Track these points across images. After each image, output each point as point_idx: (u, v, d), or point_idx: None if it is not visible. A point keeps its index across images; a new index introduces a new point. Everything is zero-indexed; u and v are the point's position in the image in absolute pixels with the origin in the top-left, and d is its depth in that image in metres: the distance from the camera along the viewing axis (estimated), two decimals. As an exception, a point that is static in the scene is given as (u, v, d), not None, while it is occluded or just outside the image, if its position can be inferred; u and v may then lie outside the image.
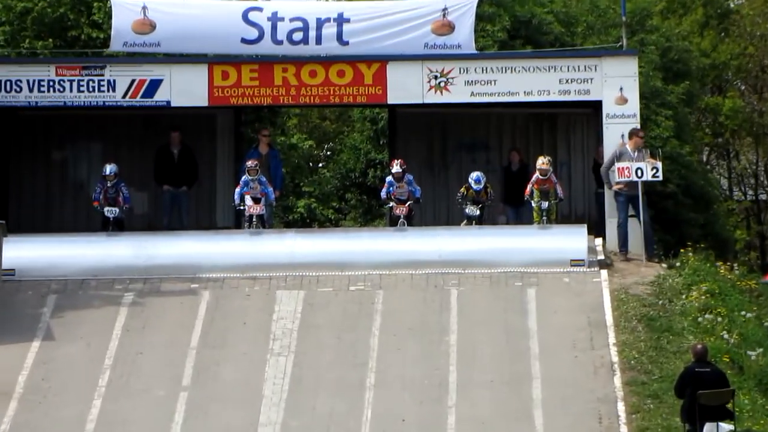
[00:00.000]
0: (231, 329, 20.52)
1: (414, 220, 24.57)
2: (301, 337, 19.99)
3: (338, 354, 19.66)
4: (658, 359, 18.12)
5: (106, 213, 23.95)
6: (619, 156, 22.71)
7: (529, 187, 23.44)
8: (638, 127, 24.00)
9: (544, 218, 23.60)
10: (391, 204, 24.37)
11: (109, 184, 24.24)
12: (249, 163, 24.15)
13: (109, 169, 24.48)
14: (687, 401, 15.12)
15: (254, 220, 24.26)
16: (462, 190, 24.20)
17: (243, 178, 24.19)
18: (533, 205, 23.47)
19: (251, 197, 23.94)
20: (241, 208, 23.77)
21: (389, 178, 24.55)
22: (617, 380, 17.49)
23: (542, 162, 23.67)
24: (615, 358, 18.07)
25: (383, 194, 24.57)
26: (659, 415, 16.29)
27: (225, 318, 20.99)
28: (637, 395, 16.90)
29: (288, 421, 17.80)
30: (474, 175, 24.00)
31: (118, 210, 24.00)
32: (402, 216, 24.06)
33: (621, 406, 16.75)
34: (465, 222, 24.32)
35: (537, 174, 23.42)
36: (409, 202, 24.14)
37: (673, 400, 15.89)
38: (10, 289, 22.05)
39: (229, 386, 18.76)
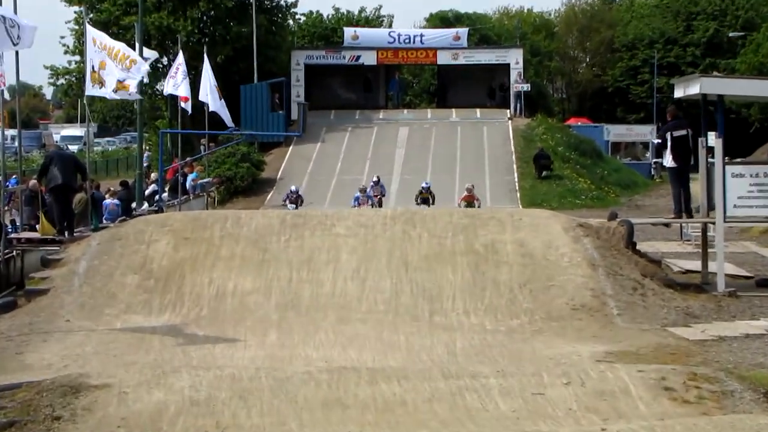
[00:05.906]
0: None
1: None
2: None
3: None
4: None
5: (288, 207, 32.24)
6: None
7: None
8: (521, 73, 54.43)
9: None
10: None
11: (293, 197, 34.33)
12: (360, 192, 32.91)
13: (294, 187, 35.46)
14: None
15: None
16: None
17: (355, 194, 33.48)
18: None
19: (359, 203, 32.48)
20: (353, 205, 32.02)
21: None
22: None
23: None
24: None
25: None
26: None
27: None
28: None
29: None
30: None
31: (295, 206, 32.69)
32: None
33: None
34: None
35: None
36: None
37: None
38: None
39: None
